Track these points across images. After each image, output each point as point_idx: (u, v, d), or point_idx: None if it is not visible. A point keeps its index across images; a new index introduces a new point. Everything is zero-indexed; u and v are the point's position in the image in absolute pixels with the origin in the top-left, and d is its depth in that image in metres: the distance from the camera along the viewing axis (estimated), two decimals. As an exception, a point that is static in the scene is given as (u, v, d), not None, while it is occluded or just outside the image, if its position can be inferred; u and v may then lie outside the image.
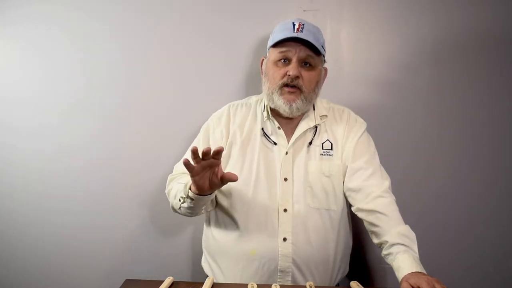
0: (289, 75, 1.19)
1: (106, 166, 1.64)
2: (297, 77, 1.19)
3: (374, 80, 1.58)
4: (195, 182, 1.07)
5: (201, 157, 1.00)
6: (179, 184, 1.20)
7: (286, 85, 1.21)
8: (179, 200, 1.18)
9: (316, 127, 1.29)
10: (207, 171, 1.05)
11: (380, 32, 1.57)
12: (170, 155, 1.56)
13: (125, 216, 1.65)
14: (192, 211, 1.20)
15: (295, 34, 1.18)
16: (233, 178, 1.07)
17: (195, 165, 1.01)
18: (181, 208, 1.19)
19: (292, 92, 1.21)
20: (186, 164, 1.00)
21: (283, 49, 1.20)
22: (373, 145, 1.30)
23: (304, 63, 1.21)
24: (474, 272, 1.60)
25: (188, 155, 1.31)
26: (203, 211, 1.23)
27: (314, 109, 1.30)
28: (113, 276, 1.61)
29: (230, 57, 1.59)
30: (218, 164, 1.05)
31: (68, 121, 1.63)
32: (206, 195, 1.12)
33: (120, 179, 1.64)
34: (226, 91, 1.59)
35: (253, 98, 1.38)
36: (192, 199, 1.12)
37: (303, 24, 1.21)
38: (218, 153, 1.00)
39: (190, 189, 1.11)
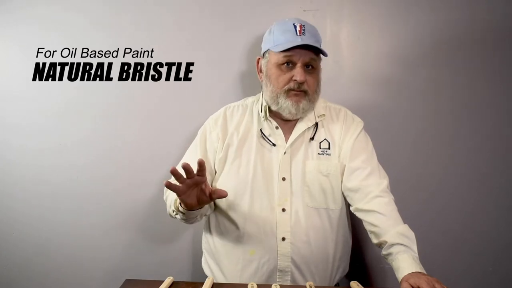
0: (295, 80, 1.19)
1: (106, 166, 1.64)
2: (303, 82, 1.19)
3: (373, 79, 1.58)
4: (183, 201, 1.07)
5: (184, 176, 1.00)
6: (173, 194, 1.19)
7: (291, 89, 1.21)
8: (173, 211, 1.19)
9: (317, 124, 1.29)
10: (194, 189, 1.05)
11: (379, 31, 1.57)
12: (170, 155, 1.57)
13: (126, 216, 1.66)
14: (187, 222, 1.21)
15: (299, 40, 1.17)
16: (223, 195, 1.07)
17: (180, 185, 1.02)
18: (177, 218, 1.20)
19: (297, 94, 1.21)
20: (168, 186, 1.00)
21: (288, 53, 1.19)
22: (371, 144, 1.30)
23: (307, 66, 1.21)
24: (474, 271, 1.60)
25: (184, 161, 1.32)
26: (198, 218, 1.23)
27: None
28: (113, 276, 1.62)
29: (232, 57, 1.59)
30: (203, 181, 1.04)
31: (68, 120, 1.64)
32: (196, 209, 1.12)
33: (121, 179, 1.64)
34: (225, 91, 1.59)
35: (250, 99, 1.38)
36: (183, 213, 1.14)
37: (303, 26, 1.20)
38: (201, 166, 1.00)
39: (180, 204, 1.12)
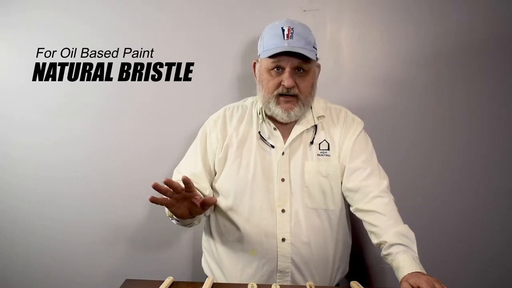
0: (283, 85, 1.17)
1: (106, 165, 1.65)
2: (292, 87, 1.18)
3: (373, 79, 1.58)
4: (173, 212, 1.06)
5: (172, 191, 0.99)
6: None
7: (281, 94, 1.20)
8: (168, 216, 1.18)
9: (316, 126, 1.28)
10: (183, 202, 1.05)
11: (379, 31, 1.57)
12: (171, 155, 1.57)
13: (126, 216, 1.66)
14: (185, 226, 1.21)
15: (285, 45, 1.15)
16: (213, 202, 1.06)
17: (167, 198, 1.00)
18: (173, 222, 1.19)
19: (288, 101, 1.20)
20: (153, 201, 0.98)
21: (275, 59, 1.17)
22: (370, 144, 1.30)
23: (298, 69, 1.19)
24: (473, 271, 1.60)
25: (184, 162, 1.32)
26: (196, 223, 1.22)
27: (311, 108, 1.29)
28: (113, 276, 1.62)
29: (232, 57, 1.59)
30: (192, 196, 1.04)
31: (68, 120, 1.64)
32: (189, 218, 1.12)
33: (121, 178, 1.65)
34: (225, 91, 1.59)
35: (249, 100, 1.37)
36: (177, 220, 1.14)
37: (292, 29, 1.17)
38: (187, 184, 0.99)
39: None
